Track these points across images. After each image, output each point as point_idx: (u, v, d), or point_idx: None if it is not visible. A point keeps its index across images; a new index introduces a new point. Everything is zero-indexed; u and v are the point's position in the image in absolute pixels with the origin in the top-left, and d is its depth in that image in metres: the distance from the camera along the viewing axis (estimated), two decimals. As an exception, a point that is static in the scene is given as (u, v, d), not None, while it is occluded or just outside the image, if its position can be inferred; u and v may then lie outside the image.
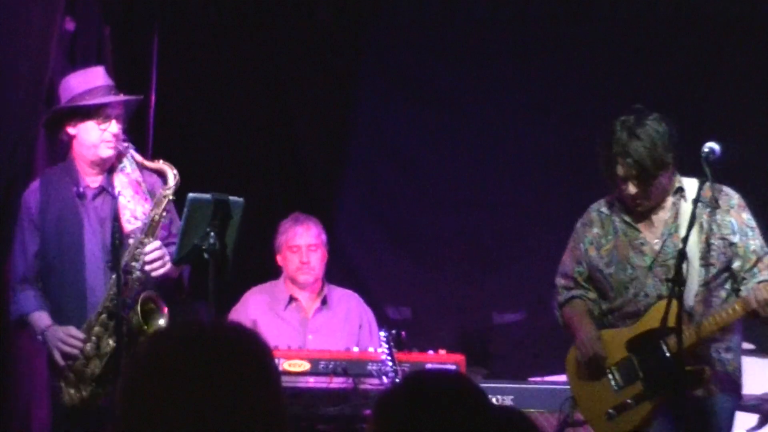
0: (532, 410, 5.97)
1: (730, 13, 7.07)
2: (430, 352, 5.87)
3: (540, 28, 7.40)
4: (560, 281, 5.41)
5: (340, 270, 7.07)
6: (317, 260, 6.38)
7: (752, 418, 6.33)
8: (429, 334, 6.94)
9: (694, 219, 5.03)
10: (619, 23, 7.28)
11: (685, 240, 4.94)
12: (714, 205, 5.17)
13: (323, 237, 6.43)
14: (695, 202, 5.05)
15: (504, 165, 7.51)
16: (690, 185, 5.21)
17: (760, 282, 5.06)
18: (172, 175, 5.31)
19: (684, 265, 4.92)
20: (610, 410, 5.16)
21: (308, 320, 6.40)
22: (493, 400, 6.09)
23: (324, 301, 6.44)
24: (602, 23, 7.33)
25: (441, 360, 5.76)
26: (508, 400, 6.06)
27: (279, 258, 6.47)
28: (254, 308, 6.39)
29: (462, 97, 7.61)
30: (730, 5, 7.09)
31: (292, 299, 6.42)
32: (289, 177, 7.60)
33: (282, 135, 7.60)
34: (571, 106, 7.33)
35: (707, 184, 5.12)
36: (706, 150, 5.03)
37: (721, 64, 7.18)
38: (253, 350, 2.21)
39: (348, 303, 6.50)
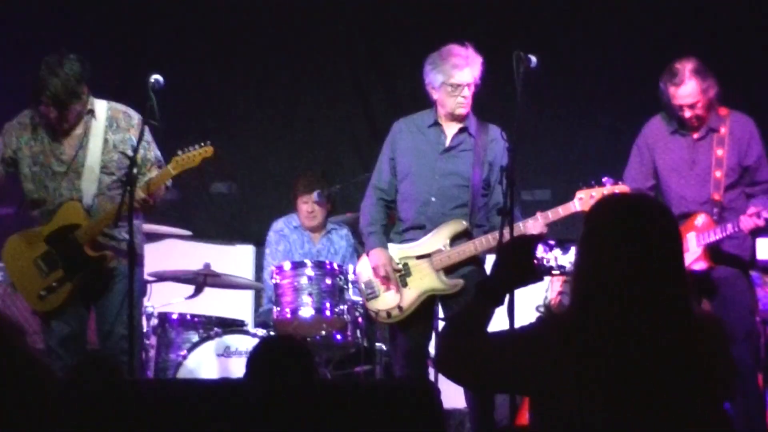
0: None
1: None
2: None
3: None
4: None
5: None
6: None
7: (189, 288, 7.41)
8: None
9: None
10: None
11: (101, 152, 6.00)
12: (118, 123, 6.08)
13: None
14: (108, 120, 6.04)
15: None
16: (100, 107, 6.11)
17: (147, 180, 5.97)
18: None
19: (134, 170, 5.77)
20: (42, 292, 6.07)
21: None
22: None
23: None
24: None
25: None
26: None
27: None
28: None
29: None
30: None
31: None
32: None
33: None
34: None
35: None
36: (152, 81, 5.71)
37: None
38: None
39: None
